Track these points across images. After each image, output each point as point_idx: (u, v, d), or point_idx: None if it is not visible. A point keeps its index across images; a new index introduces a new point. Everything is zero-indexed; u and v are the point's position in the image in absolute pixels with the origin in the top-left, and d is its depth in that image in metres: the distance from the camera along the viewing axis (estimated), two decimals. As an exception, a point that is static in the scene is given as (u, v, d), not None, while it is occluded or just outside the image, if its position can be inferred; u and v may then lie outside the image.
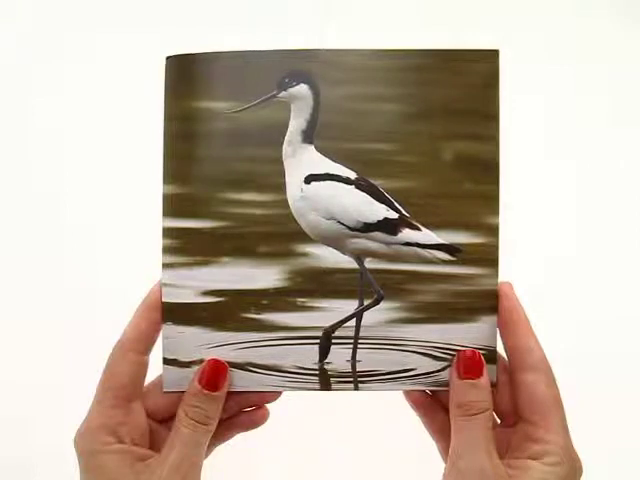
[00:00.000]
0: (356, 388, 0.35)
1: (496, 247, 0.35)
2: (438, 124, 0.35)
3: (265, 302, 0.35)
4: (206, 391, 0.34)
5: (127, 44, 0.79)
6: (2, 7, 0.80)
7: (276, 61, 0.34)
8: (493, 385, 0.34)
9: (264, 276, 0.35)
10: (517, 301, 0.35)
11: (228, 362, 0.35)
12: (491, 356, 0.35)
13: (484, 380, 0.33)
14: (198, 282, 0.35)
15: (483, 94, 0.35)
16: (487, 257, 0.35)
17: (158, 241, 0.35)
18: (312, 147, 0.35)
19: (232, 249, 0.35)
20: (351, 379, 0.36)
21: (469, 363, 0.33)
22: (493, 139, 0.35)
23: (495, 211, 0.35)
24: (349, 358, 0.36)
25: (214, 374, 0.34)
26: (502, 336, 0.35)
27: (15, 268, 0.77)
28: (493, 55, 0.35)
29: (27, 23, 0.81)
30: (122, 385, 0.34)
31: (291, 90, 0.34)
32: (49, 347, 0.73)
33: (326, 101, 0.35)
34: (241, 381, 0.35)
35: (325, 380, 0.35)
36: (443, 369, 0.35)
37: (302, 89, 0.34)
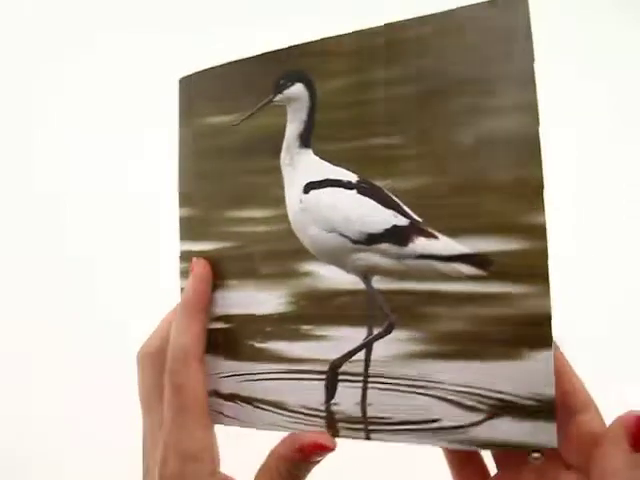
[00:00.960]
0: (367, 437, 0.29)
1: (544, 255, 0.25)
2: (451, 102, 0.27)
3: (269, 329, 0.31)
4: None
5: (134, 45, 0.86)
6: (2, 7, 0.90)
7: (270, 64, 0.32)
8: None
9: (268, 300, 0.31)
10: None
11: (236, 394, 0.32)
12: (549, 410, 0.25)
13: None
14: (211, 307, 0.33)
15: (510, 52, 0.26)
16: (532, 270, 0.25)
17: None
18: (310, 151, 0.31)
19: (238, 271, 0.32)
20: (361, 426, 0.29)
21: None
22: (530, 108, 0.26)
23: (538, 205, 0.25)
24: (358, 400, 0.29)
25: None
26: None
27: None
28: (520, 1, 0.26)
29: (28, 23, 0.91)
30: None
31: (286, 92, 0.31)
32: (49, 347, 0.78)
33: (322, 97, 0.30)
34: (248, 417, 0.31)
35: (332, 424, 0.29)
36: (478, 423, 0.26)
37: (297, 89, 0.31)
